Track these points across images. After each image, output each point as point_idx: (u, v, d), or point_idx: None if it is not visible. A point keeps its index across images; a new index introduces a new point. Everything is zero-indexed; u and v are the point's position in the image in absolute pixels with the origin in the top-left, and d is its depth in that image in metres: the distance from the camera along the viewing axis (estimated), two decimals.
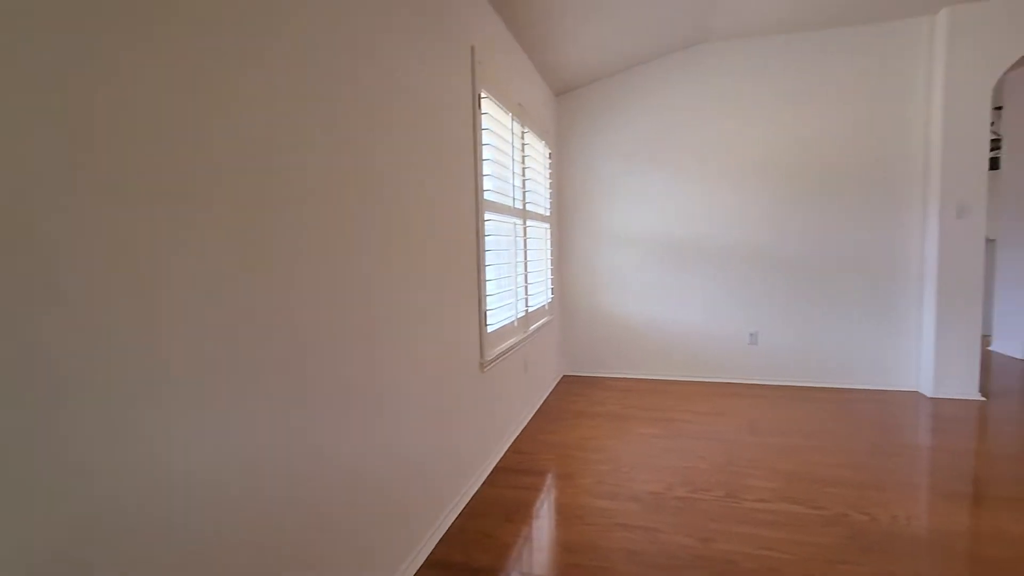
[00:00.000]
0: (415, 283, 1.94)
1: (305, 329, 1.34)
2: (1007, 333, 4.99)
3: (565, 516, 2.22)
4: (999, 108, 5.11)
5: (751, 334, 4.13)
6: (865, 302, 3.92)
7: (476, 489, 2.47)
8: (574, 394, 3.99)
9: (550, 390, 4.10)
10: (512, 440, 3.07)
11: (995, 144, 5.05)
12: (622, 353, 4.42)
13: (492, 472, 2.66)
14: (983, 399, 3.61)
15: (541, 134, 3.78)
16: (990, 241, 5.16)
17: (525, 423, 3.36)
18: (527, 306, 3.39)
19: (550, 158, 4.10)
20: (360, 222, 1.58)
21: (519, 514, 2.25)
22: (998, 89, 4.78)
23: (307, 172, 1.35)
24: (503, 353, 2.89)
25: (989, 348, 5.15)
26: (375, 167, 1.66)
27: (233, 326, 1.12)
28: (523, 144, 3.32)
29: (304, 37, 1.34)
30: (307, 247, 1.35)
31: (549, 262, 4.06)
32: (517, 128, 3.22)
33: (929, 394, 3.72)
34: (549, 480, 2.56)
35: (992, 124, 4.00)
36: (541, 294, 3.83)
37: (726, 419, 3.35)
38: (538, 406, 3.71)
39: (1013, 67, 3.61)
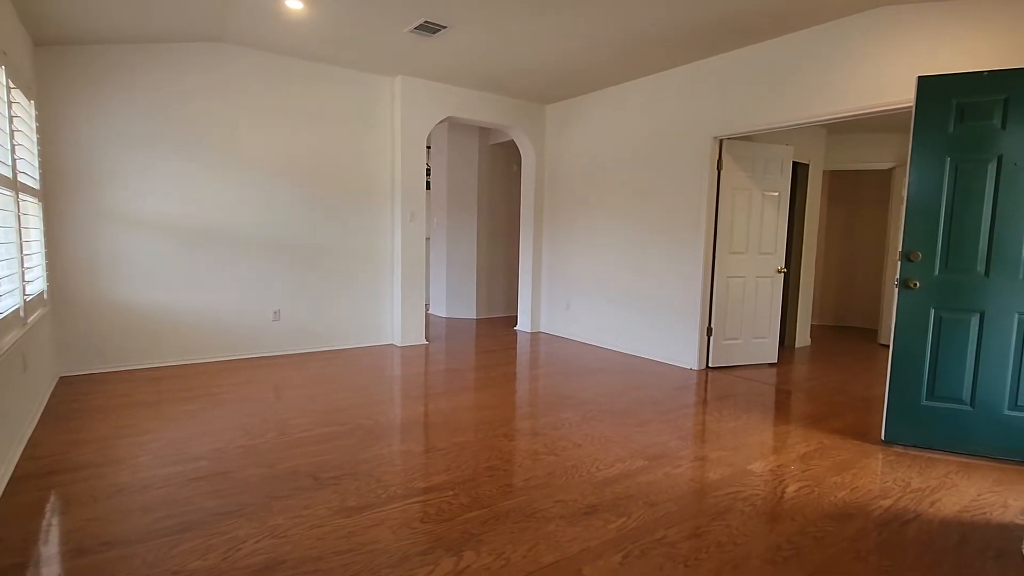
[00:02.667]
0: None
1: None
2: (436, 299, 7.45)
3: (132, 490, 2.27)
4: (428, 147, 7.49)
5: (275, 311, 4.73)
6: (360, 282, 5.18)
7: None
8: (87, 392, 3.57)
9: (49, 393, 3.50)
10: (23, 448, 2.64)
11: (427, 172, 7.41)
12: (142, 343, 4.17)
13: (11, 482, 2.31)
14: (427, 343, 5.48)
15: (27, 91, 3.18)
16: (427, 239, 7.52)
17: (32, 429, 2.88)
18: (25, 294, 2.88)
19: (37, 121, 3.45)
20: None
21: (68, 504, 2.15)
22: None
23: None
24: (5, 349, 2.47)
25: (428, 311, 7.54)
26: None
27: None
28: (11, 102, 2.80)
29: None
30: None
31: (43, 244, 3.44)
32: (5, 81, 2.70)
33: (399, 344, 5.32)
34: (94, 471, 2.45)
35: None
36: (37, 281, 3.25)
37: (261, 385, 3.86)
38: (41, 410, 3.18)
39: (438, 124, 5.56)
